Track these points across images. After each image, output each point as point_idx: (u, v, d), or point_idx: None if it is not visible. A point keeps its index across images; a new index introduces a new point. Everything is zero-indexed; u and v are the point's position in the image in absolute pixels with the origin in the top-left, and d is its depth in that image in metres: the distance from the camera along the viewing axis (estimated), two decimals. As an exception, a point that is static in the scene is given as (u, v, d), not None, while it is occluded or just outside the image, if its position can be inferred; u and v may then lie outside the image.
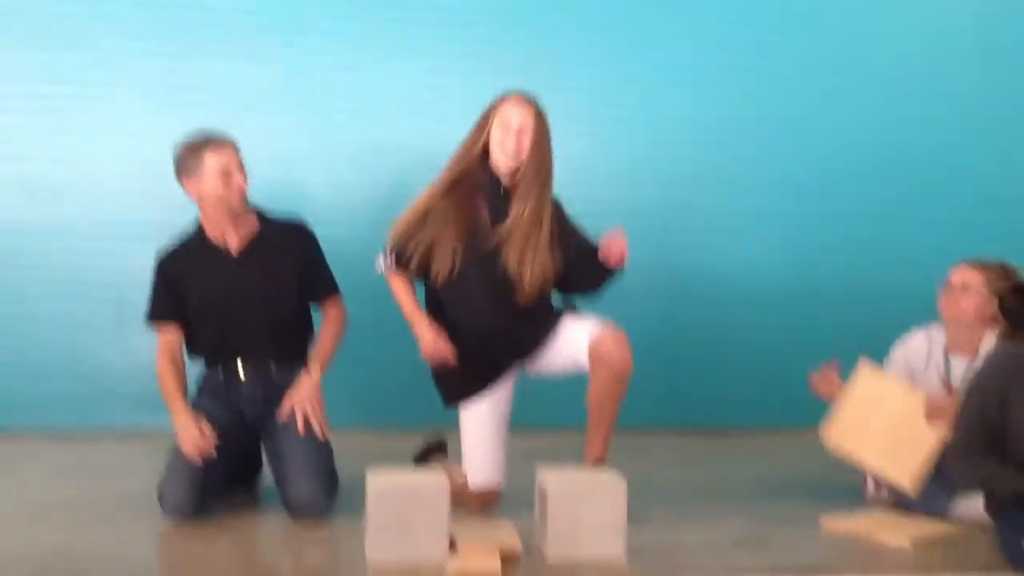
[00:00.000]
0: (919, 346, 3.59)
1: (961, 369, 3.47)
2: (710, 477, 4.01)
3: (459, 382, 3.37)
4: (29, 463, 4.06)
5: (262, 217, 3.44)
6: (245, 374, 3.40)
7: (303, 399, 3.28)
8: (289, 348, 3.45)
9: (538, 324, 3.36)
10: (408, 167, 4.78)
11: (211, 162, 3.25)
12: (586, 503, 2.80)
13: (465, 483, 3.33)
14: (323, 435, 3.27)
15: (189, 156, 3.28)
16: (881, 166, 5.23)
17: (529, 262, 3.29)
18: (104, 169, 4.72)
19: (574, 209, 3.51)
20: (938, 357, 3.54)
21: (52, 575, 2.61)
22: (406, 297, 3.43)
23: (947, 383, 3.49)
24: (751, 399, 5.06)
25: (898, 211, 5.22)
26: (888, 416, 3.37)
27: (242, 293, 3.34)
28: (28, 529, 3.06)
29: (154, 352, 3.42)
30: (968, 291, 3.45)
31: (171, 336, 3.40)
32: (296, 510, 3.18)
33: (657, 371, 4.95)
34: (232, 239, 3.36)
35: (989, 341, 3.44)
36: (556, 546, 2.78)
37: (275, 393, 3.36)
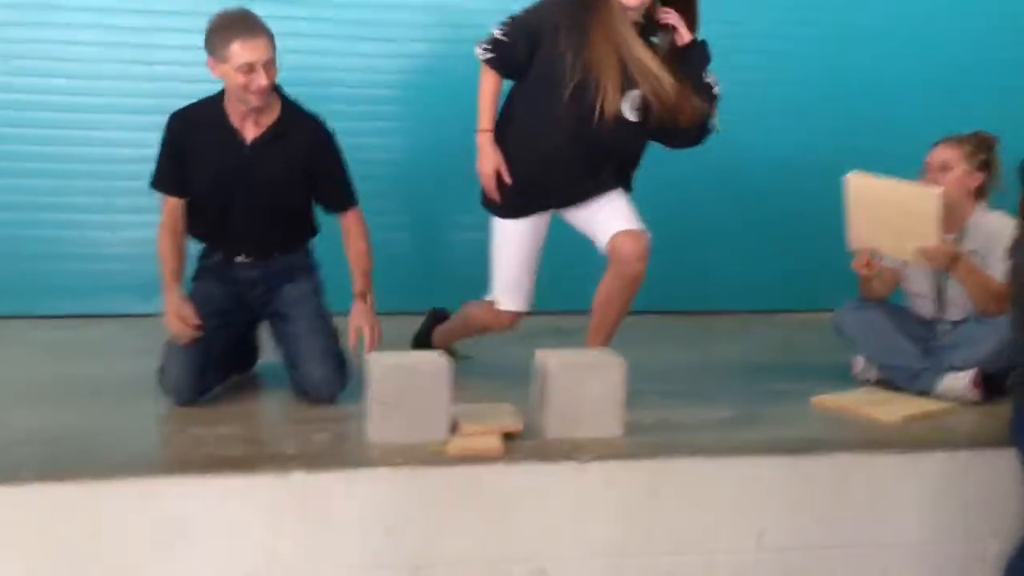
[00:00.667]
0: None
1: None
2: (702, 358, 4.07)
3: (504, 196, 3.36)
4: (18, 346, 4.05)
5: (285, 105, 3.28)
6: (246, 257, 3.37)
7: (363, 326, 3.23)
8: (289, 237, 3.42)
9: (601, 177, 3.35)
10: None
11: (237, 53, 3.06)
12: (585, 382, 2.84)
13: (488, 306, 3.43)
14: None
15: (218, 37, 3.10)
16: (879, 41, 5.14)
17: (658, 97, 3.26)
18: (93, 39, 4.57)
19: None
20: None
21: (55, 455, 2.64)
22: (489, 99, 3.32)
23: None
24: (742, 282, 5.10)
25: (892, 88, 5.16)
26: (890, 208, 3.32)
27: (249, 183, 3.25)
28: (27, 409, 3.08)
29: (143, 235, 3.39)
30: (947, 169, 3.45)
31: (174, 205, 3.31)
32: (310, 390, 3.19)
33: (654, 254, 4.97)
34: (249, 126, 3.24)
35: (977, 214, 3.46)
36: (555, 424, 2.83)
37: (275, 276, 3.35)
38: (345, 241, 3.39)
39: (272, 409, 3.23)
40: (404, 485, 2.60)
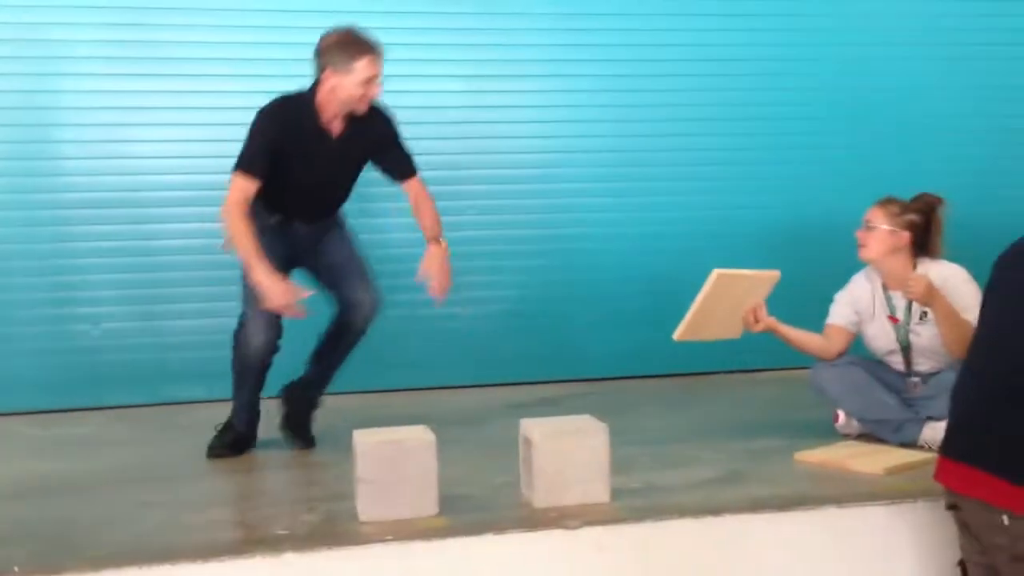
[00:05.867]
0: (862, 287, 3.68)
1: (903, 301, 3.55)
2: (685, 420, 4.09)
3: None
4: (5, 441, 4.06)
5: None
6: (302, 223, 3.68)
7: (439, 270, 3.64)
8: (342, 204, 3.82)
9: None
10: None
11: (362, 68, 3.45)
12: (569, 449, 2.86)
13: None
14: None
15: (345, 52, 3.46)
16: (854, 106, 5.28)
17: None
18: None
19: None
20: (880, 295, 3.63)
21: (44, 548, 2.64)
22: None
23: (893, 317, 3.59)
24: (721, 343, 5.13)
25: (860, 154, 5.28)
26: (734, 296, 3.45)
27: (334, 171, 3.64)
28: (17, 502, 3.07)
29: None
30: (869, 228, 3.54)
31: (251, 190, 3.50)
32: (358, 309, 3.62)
33: (629, 321, 5.03)
34: (336, 124, 3.58)
35: (920, 269, 3.51)
36: (543, 492, 2.85)
37: (321, 230, 3.73)
38: (414, 203, 3.76)
39: (262, 491, 3.23)
40: (395, 562, 2.61)
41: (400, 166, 3.77)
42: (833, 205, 5.03)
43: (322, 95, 3.52)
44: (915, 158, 5.23)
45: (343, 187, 3.77)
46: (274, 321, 3.51)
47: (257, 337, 3.52)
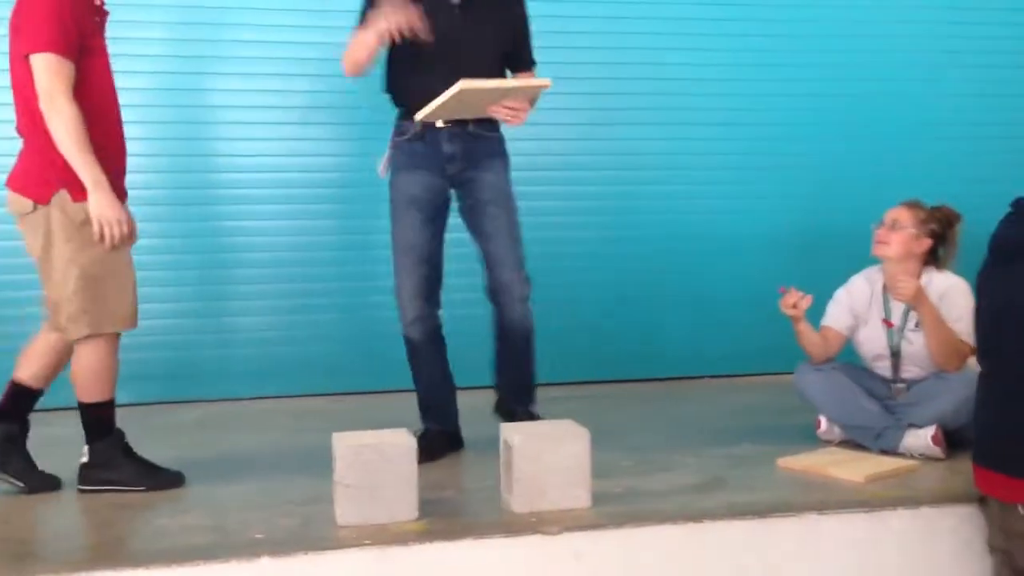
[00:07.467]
0: (861, 288, 3.69)
1: (900, 306, 3.55)
2: (667, 425, 4.08)
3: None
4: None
5: None
6: (448, 140, 3.39)
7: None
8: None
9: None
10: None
11: None
12: (550, 454, 2.84)
13: None
14: None
15: None
16: (855, 114, 5.28)
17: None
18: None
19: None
20: (878, 296, 3.64)
21: (17, 550, 2.60)
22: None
23: (887, 321, 3.59)
24: (705, 349, 5.14)
25: (867, 160, 5.28)
26: (485, 96, 3.31)
27: (455, 42, 3.32)
28: None
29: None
30: (896, 227, 3.54)
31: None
32: (507, 291, 3.44)
33: (612, 324, 5.02)
34: None
35: (925, 278, 3.53)
36: (522, 497, 2.83)
37: (473, 154, 3.42)
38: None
39: (239, 494, 3.19)
40: (373, 567, 2.59)
41: (522, 56, 3.53)
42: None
43: None
44: (916, 164, 5.23)
45: (469, 69, 3.21)
46: (423, 287, 3.37)
47: (408, 311, 3.38)
